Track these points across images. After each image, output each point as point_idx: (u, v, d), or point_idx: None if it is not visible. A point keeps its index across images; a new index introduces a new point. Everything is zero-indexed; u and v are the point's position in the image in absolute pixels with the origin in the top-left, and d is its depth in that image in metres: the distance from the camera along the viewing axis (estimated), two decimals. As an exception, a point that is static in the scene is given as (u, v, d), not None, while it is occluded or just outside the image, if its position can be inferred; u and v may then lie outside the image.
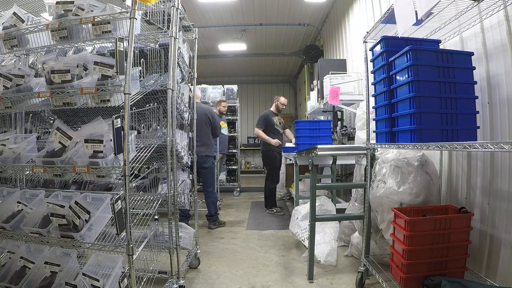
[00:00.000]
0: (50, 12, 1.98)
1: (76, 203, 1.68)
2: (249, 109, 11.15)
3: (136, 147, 1.85)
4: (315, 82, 5.02)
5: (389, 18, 2.02)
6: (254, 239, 3.47)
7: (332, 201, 3.60)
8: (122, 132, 1.57)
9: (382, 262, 2.20)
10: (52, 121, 2.52)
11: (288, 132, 5.19)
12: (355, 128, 3.18)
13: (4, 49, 2.10)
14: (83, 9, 1.92)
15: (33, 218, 1.85)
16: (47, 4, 2.00)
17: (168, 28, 2.08)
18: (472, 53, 1.83)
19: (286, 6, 5.87)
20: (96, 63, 1.73)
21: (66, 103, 1.84)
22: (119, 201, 1.54)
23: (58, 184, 2.46)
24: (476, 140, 1.76)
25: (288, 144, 5.01)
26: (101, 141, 1.67)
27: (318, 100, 4.56)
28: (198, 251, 2.70)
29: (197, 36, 2.81)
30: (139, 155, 1.81)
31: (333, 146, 3.45)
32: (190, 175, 2.81)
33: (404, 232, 1.79)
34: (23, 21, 2.06)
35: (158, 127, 2.37)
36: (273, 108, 5.05)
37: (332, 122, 4.18)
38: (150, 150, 1.90)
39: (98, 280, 1.73)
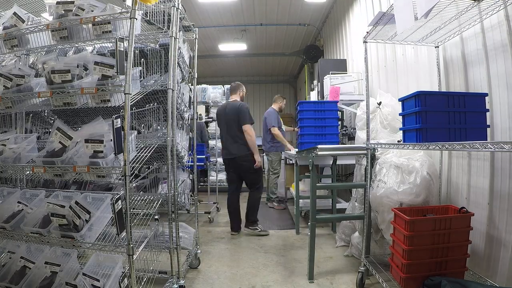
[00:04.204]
0: (51, 12, 1.98)
1: (77, 203, 1.68)
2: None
3: (136, 147, 1.85)
4: (315, 82, 5.03)
5: (389, 18, 2.02)
6: (254, 239, 3.47)
7: (332, 201, 3.61)
8: (122, 132, 1.58)
9: (382, 262, 2.20)
10: (52, 121, 2.52)
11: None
12: (355, 128, 3.18)
13: (5, 49, 2.10)
14: (83, 9, 1.92)
15: (34, 218, 1.85)
16: (47, 4, 2.00)
17: (168, 28, 2.08)
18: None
19: (287, 6, 5.87)
20: (96, 63, 1.73)
21: (66, 103, 1.84)
22: (119, 201, 1.55)
23: (59, 184, 2.47)
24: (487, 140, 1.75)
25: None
26: (101, 141, 1.67)
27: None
28: (199, 251, 2.70)
29: (197, 36, 2.81)
30: (140, 155, 1.81)
31: (334, 146, 3.45)
32: (190, 175, 2.82)
33: (404, 232, 1.79)
34: (23, 21, 2.06)
35: (159, 127, 2.37)
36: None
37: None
38: (151, 150, 1.90)
39: (98, 280, 1.73)
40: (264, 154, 5.18)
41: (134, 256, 1.61)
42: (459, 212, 1.89)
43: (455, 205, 2.00)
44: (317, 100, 4.66)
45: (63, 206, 1.69)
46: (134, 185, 2.43)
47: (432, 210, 1.98)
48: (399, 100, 1.98)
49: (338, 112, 4.38)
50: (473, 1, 1.76)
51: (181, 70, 2.50)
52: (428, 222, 1.80)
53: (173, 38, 2.06)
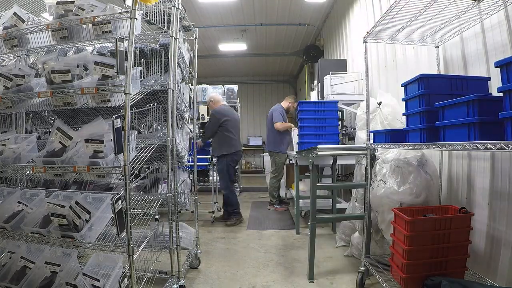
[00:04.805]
0: (51, 12, 1.99)
1: (77, 203, 1.68)
2: (249, 109, 11.15)
3: (137, 147, 1.85)
4: (315, 82, 5.02)
5: (390, 18, 2.01)
6: (254, 239, 3.47)
7: (332, 201, 3.61)
8: (122, 132, 1.57)
9: (383, 262, 2.20)
10: (52, 121, 2.52)
11: None
12: (355, 128, 3.18)
13: (5, 49, 2.10)
14: (83, 9, 1.92)
15: (34, 218, 1.85)
16: (47, 4, 2.00)
17: (169, 28, 2.08)
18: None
19: (287, 6, 5.87)
20: (96, 63, 1.73)
21: (66, 103, 1.84)
22: (120, 201, 1.54)
23: (59, 184, 2.46)
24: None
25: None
26: (101, 141, 1.67)
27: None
28: (199, 251, 2.70)
29: (197, 36, 2.81)
30: (140, 155, 1.81)
31: (334, 146, 3.45)
32: (191, 175, 2.81)
33: (404, 232, 1.79)
34: (23, 21, 2.06)
35: (159, 127, 2.37)
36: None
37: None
38: (151, 150, 1.90)
39: (98, 280, 1.73)
40: (266, 154, 5.08)
41: (134, 256, 1.61)
42: (459, 212, 1.89)
43: (455, 205, 2.00)
44: (317, 99, 4.66)
45: (63, 206, 1.69)
46: (134, 185, 2.43)
47: (432, 210, 1.98)
48: (402, 85, 1.99)
49: (338, 112, 4.38)
50: (473, 1, 1.76)
51: (181, 70, 2.50)
52: (428, 222, 1.80)
53: (173, 38, 2.06)
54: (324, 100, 4.04)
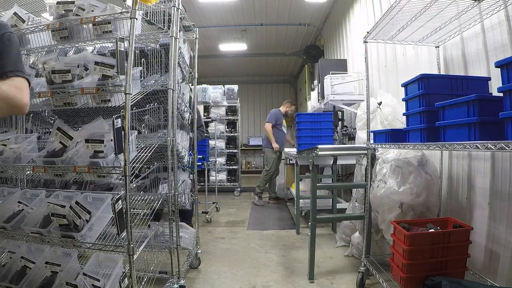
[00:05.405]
0: (51, 12, 1.98)
1: (77, 203, 1.68)
2: (250, 109, 11.16)
3: (137, 147, 1.85)
4: (315, 82, 5.02)
5: (390, 18, 2.01)
6: (254, 239, 3.47)
7: (332, 201, 3.61)
8: (123, 132, 1.57)
9: (383, 262, 2.20)
10: (52, 121, 2.52)
11: (288, 136, 5.78)
12: (355, 128, 3.18)
13: (5, 49, 2.10)
14: (83, 9, 1.92)
15: (34, 218, 1.85)
16: (47, 4, 2.00)
17: (169, 28, 2.08)
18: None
19: (287, 6, 5.87)
20: (96, 63, 1.73)
21: (66, 103, 1.84)
22: (120, 201, 1.54)
23: (59, 184, 2.46)
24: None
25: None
26: (101, 141, 1.67)
27: (318, 100, 4.56)
28: (199, 251, 2.70)
29: (197, 36, 2.81)
30: (140, 155, 1.81)
31: (334, 146, 3.46)
32: (191, 175, 2.81)
33: (404, 247, 1.79)
34: (23, 21, 2.06)
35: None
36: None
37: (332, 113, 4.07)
38: (151, 150, 1.90)
39: (98, 280, 1.73)
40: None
41: (135, 256, 1.61)
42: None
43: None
44: (317, 100, 4.67)
45: (63, 206, 1.69)
46: (134, 185, 2.42)
47: (431, 222, 1.97)
48: (402, 85, 1.98)
49: (339, 112, 4.39)
50: (473, 1, 1.76)
51: (182, 70, 2.50)
52: (427, 237, 1.79)
53: (173, 38, 2.06)
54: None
